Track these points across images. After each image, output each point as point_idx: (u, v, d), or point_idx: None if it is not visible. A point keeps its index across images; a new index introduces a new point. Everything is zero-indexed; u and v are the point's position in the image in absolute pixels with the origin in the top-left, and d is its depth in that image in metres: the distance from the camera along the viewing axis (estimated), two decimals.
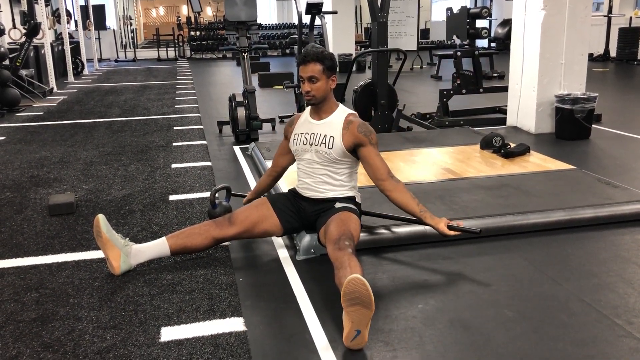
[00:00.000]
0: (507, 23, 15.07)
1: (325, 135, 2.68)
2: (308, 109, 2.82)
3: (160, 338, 2.11)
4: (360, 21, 19.31)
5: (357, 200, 2.81)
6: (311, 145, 2.72)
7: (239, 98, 5.56)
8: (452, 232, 2.60)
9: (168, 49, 17.53)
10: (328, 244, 2.44)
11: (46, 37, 9.68)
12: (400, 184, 2.67)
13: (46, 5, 10.31)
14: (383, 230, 2.92)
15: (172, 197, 3.80)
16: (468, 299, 2.37)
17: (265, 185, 3.10)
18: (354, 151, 2.69)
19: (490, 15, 6.89)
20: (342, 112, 2.73)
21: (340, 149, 2.66)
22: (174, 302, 2.37)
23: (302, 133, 2.77)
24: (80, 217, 3.45)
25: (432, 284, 2.51)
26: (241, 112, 5.45)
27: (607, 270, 2.62)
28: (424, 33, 18.70)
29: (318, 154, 2.70)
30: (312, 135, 2.72)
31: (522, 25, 5.69)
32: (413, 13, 12.94)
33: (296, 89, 6.82)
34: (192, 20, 17.97)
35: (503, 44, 14.93)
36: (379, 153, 2.69)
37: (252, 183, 4.15)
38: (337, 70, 2.76)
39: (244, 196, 3.18)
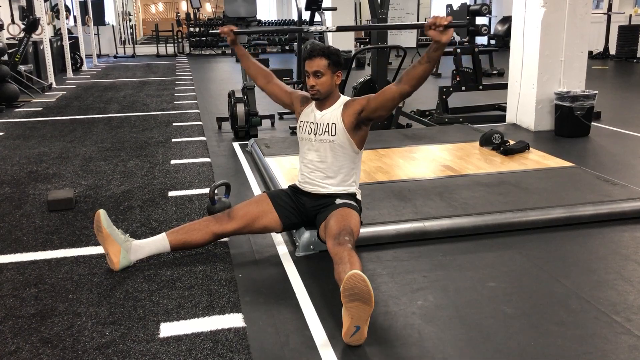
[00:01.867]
0: (506, 20, 15.05)
1: (328, 124, 2.69)
2: None
3: (159, 334, 2.11)
4: (360, 18, 19.27)
5: (357, 196, 2.81)
6: (315, 135, 2.72)
7: (238, 94, 5.55)
8: (447, 33, 2.41)
9: (167, 45, 17.49)
10: (328, 239, 2.44)
11: (45, 33, 9.66)
12: (403, 78, 2.56)
13: (45, 1, 10.28)
14: (383, 227, 2.93)
15: (171, 193, 3.80)
16: (467, 296, 2.37)
17: (251, 63, 3.00)
18: (356, 130, 2.68)
19: (490, 12, 6.88)
20: (341, 100, 2.75)
21: (343, 133, 2.66)
22: (173, 298, 2.37)
23: (307, 122, 2.77)
24: (79, 213, 3.44)
25: (432, 281, 2.52)
26: (240, 108, 5.44)
27: (606, 267, 2.62)
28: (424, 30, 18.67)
29: (321, 143, 2.70)
30: (316, 125, 2.73)
31: (522, 23, 5.68)
32: (413, 10, 12.93)
33: (295, 85, 6.81)
34: (192, 16, 17.93)
35: (503, 41, 14.91)
36: (377, 93, 2.65)
37: (252, 179, 4.15)
38: (342, 66, 2.73)
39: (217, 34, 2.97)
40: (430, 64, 2.49)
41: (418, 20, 13.84)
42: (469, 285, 2.47)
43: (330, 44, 10.42)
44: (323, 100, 2.72)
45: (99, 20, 15.88)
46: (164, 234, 2.69)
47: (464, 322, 2.17)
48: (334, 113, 2.70)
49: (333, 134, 2.67)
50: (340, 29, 3.06)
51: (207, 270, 2.62)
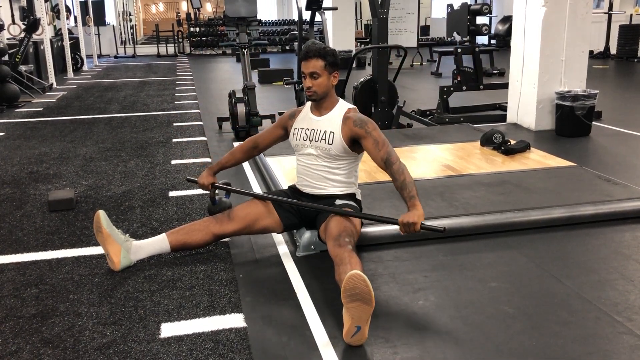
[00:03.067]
0: (507, 20, 15.03)
1: (325, 132, 2.67)
2: (308, 104, 2.80)
3: (160, 334, 2.11)
4: (361, 17, 19.27)
5: (357, 197, 2.80)
6: (311, 141, 2.70)
7: (239, 94, 5.55)
8: (413, 229, 2.39)
9: (168, 45, 17.50)
10: (328, 240, 2.44)
11: (45, 33, 9.66)
12: (396, 171, 2.51)
13: (45, 1, 10.28)
14: (384, 227, 2.92)
15: (171, 193, 3.79)
16: (468, 296, 2.37)
17: (235, 161, 3.01)
18: (354, 145, 2.67)
19: (490, 12, 6.88)
20: (342, 107, 2.71)
21: (340, 144, 2.65)
22: (174, 298, 2.37)
23: (302, 128, 2.75)
24: (79, 213, 3.44)
25: (433, 281, 2.51)
26: (241, 108, 5.44)
27: (607, 267, 2.62)
28: (424, 30, 18.66)
29: (318, 150, 2.69)
30: (313, 131, 2.71)
31: (522, 22, 5.67)
32: (413, 9, 12.91)
33: (296, 85, 6.80)
34: (192, 16, 17.93)
35: (503, 40, 14.90)
36: (379, 138, 2.58)
37: (252, 179, 4.15)
38: (339, 66, 2.72)
39: (194, 181, 2.98)
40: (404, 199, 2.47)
41: (419, 20, 13.81)
42: (470, 285, 2.47)
43: (331, 43, 10.43)
44: (320, 102, 2.70)
45: (100, 20, 15.88)
46: (164, 234, 2.69)
47: (465, 322, 2.17)
48: (333, 121, 2.67)
49: (330, 142, 2.65)
50: None
51: (208, 270, 2.62)
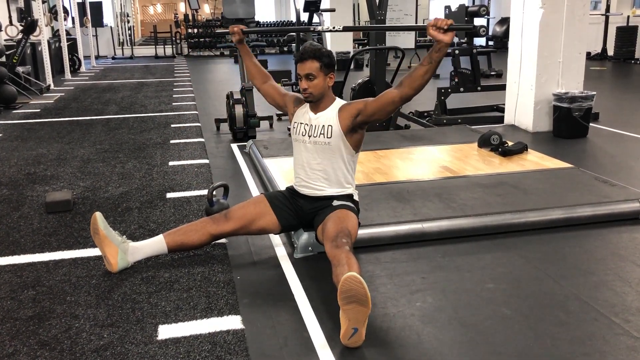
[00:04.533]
0: (505, 21, 15.07)
1: (323, 126, 2.68)
2: None
3: (157, 336, 2.10)
4: (359, 19, 19.28)
5: (355, 197, 2.80)
6: (309, 137, 2.71)
7: (237, 96, 5.55)
8: (449, 33, 2.45)
9: (165, 46, 17.47)
10: (326, 241, 2.44)
11: (43, 34, 9.64)
12: (405, 81, 2.57)
13: (43, 2, 10.27)
14: (381, 228, 2.92)
15: (169, 195, 3.79)
16: (466, 297, 2.37)
17: (252, 63, 3.03)
18: (353, 135, 2.67)
19: (488, 13, 6.90)
20: (338, 103, 2.73)
21: (339, 136, 2.65)
22: (172, 300, 2.36)
23: (301, 123, 2.76)
24: (77, 215, 3.44)
25: (430, 282, 2.51)
26: (239, 109, 5.44)
27: (604, 268, 2.62)
28: (422, 31, 18.69)
29: (316, 145, 2.69)
30: (311, 127, 2.71)
31: (520, 24, 5.68)
32: (411, 11, 12.91)
33: (294, 86, 6.81)
34: (190, 17, 17.92)
35: (501, 42, 14.92)
36: (376, 97, 2.64)
37: (250, 181, 4.14)
38: (335, 67, 2.73)
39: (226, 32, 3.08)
40: (432, 65, 2.49)
41: (416, 22, 13.83)
42: (467, 286, 2.47)
43: (329, 45, 10.44)
44: (317, 103, 2.71)
45: (97, 21, 15.84)
46: (161, 235, 2.69)
47: (463, 323, 2.17)
48: (330, 115, 2.68)
49: (329, 136, 2.66)
50: (346, 29, 3.08)
51: (205, 272, 2.61)
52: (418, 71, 2.52)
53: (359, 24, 19.29)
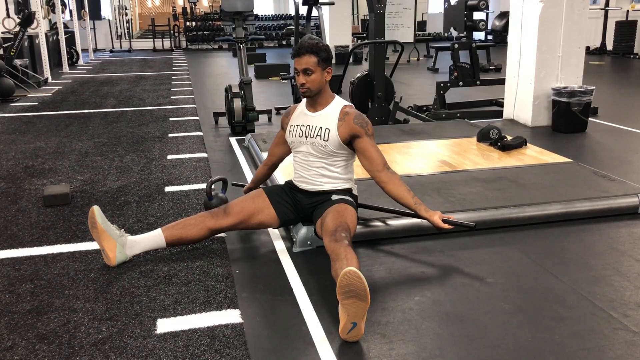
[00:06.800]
0: (504, 15, 15.04)
1: (321, 128, 2.66)
2: (304, 100, 2.79)
3: (156, 330, 2.10)
4: (357, 13, 19.22)
5: (353, 192, 2.80)
6: (307, 137, 2.70)
7: (235, 89, 5.53)
8: (446, 226, 2.59)
9: (164, 39, 17.43)
10: (324, 236, 2.44)
11: (41, 27, 9.60)
12: (395, 176, 2.66)
13: None
14: (380, 223, 2.92)
15: (167, 189, 3.78)
16: (464, 292, 2.37)
17: (262, 176, 3.10)
18: (349, 143, 2.67)
19: (487, 7, 6.86)
20: (338, 103, 2.71)
21: (336, 141, 2.64)
22: (170, 294, 2.36)
23: (297, 125, 2.75)
24: (75, 208, 3.43)
25: (429, 277, 2.51)
26: (237, 103, 5.42)
27: (603, 263, 2.63)
28: (421, 25, 18.64)
29: (314, 146, 2.68)
30: (308, 127, 2.70)
31: (519, 18, 5.67)
32: (410, 5, 12.87)
33: (292, 80, 6.79)
34: (188, 10, 17.86)
35: (500, 36, 14.90)
36: (375, 144, 2.68)
37: (248, 174, 4.14)
38: (333, 62, 2.72)
39: (244, 186, 3.20)
40: (409, 207, 2.64)
41: (416, 15, 13.78)
42: (466, 281, 2.47)
43: (328, 38, 10.40)
44: (315, 98, 2.69)
45: (95, 14, 15.78)
46: (159, 229, 2.68)
47: (461, 317, 2.17)
48: (329, 118, 2.67)
49: (326, 138, 2.65)
50: None
51: (204, 266, 2.61)
52: (398, 195, 2.64)
53: (358, 17, 19.26)
